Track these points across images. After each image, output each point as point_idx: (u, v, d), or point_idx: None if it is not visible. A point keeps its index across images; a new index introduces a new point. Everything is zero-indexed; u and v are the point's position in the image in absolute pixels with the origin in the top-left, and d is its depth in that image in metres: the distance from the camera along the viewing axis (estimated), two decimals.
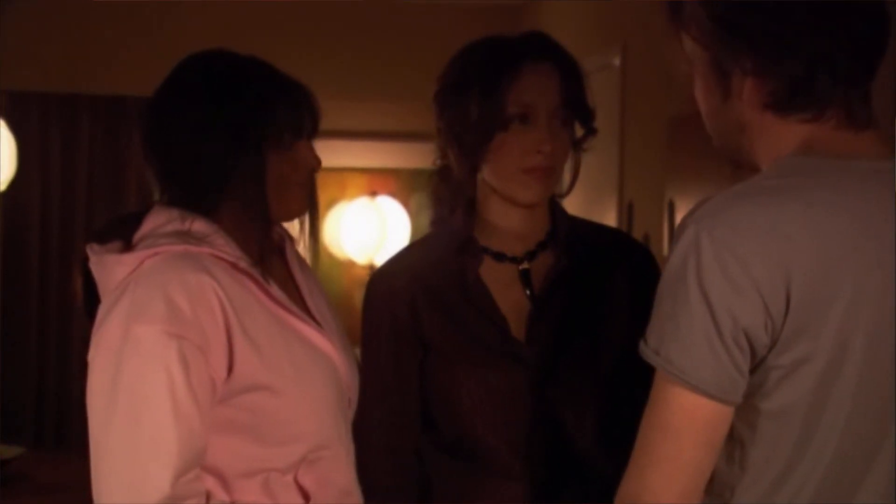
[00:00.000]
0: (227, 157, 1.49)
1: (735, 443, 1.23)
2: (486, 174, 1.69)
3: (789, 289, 1.15)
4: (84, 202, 5.68)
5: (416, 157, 5.78)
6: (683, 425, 1.17)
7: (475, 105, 1.65)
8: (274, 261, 1.61)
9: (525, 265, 1.71)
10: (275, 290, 1.53)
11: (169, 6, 5.41)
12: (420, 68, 5.31)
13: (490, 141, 1.64)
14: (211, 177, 1.51)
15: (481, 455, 1.66)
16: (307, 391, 1.51)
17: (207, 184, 1.51)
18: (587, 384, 1.66)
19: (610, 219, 4.56)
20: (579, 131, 1.75)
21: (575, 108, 1.68)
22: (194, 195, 1.52)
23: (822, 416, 1.18)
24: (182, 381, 1.39)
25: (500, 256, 1.71)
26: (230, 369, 1.44)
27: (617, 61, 4.53)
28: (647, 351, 1.21)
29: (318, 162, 1.58)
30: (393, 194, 5.52)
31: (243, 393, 1.45)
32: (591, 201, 4.95)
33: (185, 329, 1.40)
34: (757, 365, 1.19)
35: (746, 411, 1.21)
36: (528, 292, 1.69)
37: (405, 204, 5.49)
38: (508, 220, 1.71)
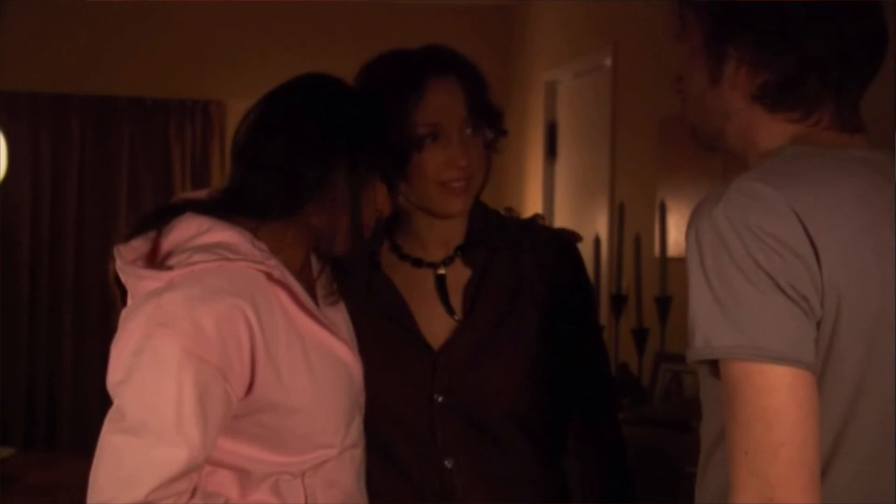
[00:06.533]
0: (330, 169, 1.49)
1: None
2: (405, 190, 1.70)
3: (819, 258, 1.14)
4: (74, 201, 5.67)
5: None
6: (781, 404, 1.13)
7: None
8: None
9: (441, 270, 1.74)
10: (307, 301, 1.52)
11: (161, 7, 5.40)
12: None
13: (407, 163, 1.64)
14: (309, 181, 1.49)
15: (390, 452, 1.69)
16: (325, 405, 1.52)
17: (305, 188, 1.50)
18: (494, 381, 1.69)
19: (601, 219, 4.57)
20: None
21: (482, 115, 1.68)
22: (285, 196, 1.50)
23: (864, 384, 1.17)
24: (192, 401, 1.38)
25: (418, 262, 1.74)
26: (249, 391, 1.44)
27: (608, 62, 4.54)
28: (711, 352, 1.16)
29: (388, 210, 1.59)
30: None
31: (260, 412, 1.46)
32: (582, 202, 4.95)
33: (206, 350, 1.39)
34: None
35: None
36: (443, 297, 1.72)
37: None
38: (434, 231, 1.74)
